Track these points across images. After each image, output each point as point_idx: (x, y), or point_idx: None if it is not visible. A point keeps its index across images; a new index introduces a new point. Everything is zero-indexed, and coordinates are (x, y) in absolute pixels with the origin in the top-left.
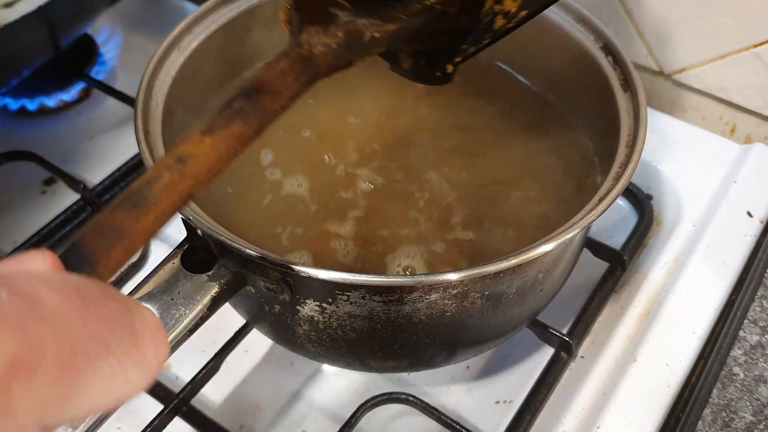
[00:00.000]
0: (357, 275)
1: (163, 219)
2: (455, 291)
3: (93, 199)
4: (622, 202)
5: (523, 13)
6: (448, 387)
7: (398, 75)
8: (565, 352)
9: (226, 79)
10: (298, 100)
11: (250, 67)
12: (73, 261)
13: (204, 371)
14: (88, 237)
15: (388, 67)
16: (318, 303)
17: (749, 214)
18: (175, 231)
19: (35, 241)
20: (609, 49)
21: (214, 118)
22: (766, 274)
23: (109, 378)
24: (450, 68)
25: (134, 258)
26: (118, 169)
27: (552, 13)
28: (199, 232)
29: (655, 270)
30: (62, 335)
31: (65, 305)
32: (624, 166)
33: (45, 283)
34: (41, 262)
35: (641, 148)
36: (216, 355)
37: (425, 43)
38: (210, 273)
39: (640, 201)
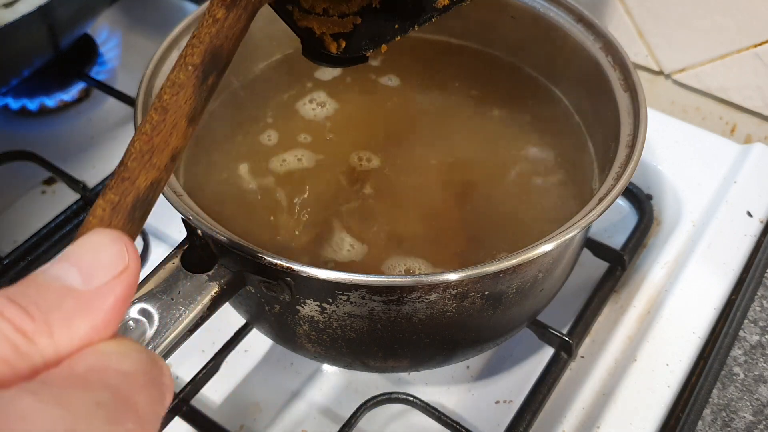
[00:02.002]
0: (357, 275)
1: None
2: (455, 291)
3: (93, 199)
4: (622, 202)
5: None
6: (448, 387)
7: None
8: (565, 352)
9: (226, 79)
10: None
11: (250, 68)
12: None
13: (204, 371)
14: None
15: (310, 62)
16: (318, 303)
17: (749, 214)
18: (175, 231)
19: (35, 241)
20: (609, 48)
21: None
22: (766, 274)
23: None
24: (384, 48)
25: None
26: None
27: (552, 12)
28: (199, 232)
29: (655, 270)
30: None
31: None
32: (624, 166)
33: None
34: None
35: (641, 148)
36: (216, 355)
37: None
38: (210, 273)
39: (640, 201)
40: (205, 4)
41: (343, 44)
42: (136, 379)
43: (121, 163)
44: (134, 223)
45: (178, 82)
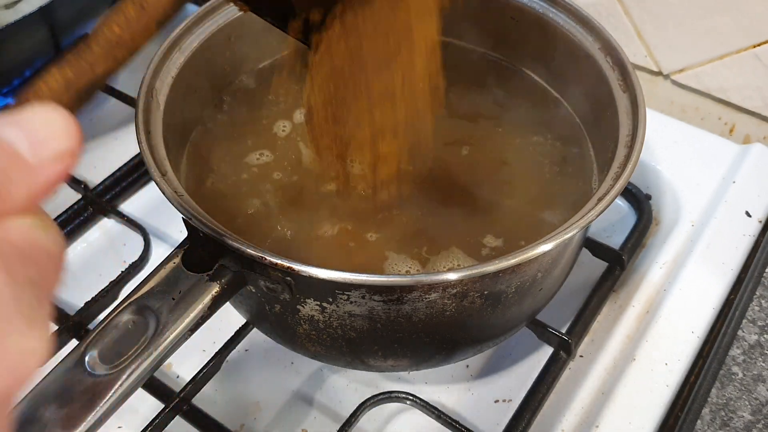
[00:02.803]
0: (357, 275)
1: None
2: (455, 290)
3: (94, 199)
4: (621, 202)
5: None
6: (448, 386)
7: None
8: (564, 351)
9: (227, 79)
10: None
11: (251, 68)
12: None
13: (205, 370)
14: None
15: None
16: (318, 302)
17: (748, 213)
18: (176, 231)
19: None
20: (608, 49)
21: None
22: (764, 274)
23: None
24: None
25: (135, 257)
26: (119, 169)
27: (551, 13)
28: (200, 232)
29: (654, 270)
30: None
31: None
32: (623, 166)
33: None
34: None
35: (640, 148)
36: (217, 354)
37: None
38: (210, 273)
39: (639, 201)
40: (206, 5)
41: None
42: (56, 261)
43: (87, 43)
44: (80, 104)
45: None
